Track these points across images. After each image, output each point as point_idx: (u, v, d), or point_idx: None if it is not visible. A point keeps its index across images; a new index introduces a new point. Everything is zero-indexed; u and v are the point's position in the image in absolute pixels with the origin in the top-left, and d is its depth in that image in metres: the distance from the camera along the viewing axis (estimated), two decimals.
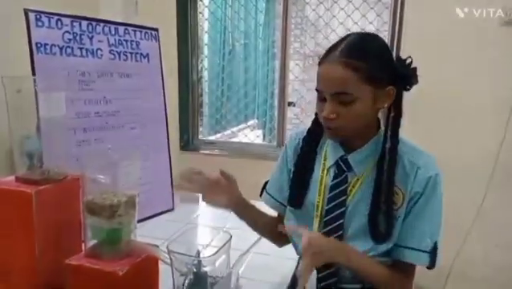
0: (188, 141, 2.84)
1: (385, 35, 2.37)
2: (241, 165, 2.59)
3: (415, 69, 0.89)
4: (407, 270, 0.90)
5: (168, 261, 0.83)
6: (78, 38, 1.37)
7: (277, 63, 3.10)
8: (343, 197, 0.90)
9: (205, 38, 3.12)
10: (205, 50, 3.15)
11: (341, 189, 0.91)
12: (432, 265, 0.87)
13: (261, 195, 1.11)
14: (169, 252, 0.80)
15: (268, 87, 3.96)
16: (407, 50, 2.24)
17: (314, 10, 3.17)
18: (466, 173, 2.27)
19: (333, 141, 0.94)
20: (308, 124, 1.02)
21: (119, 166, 0.89)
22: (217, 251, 0.82)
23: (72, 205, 0.97)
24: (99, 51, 1.43)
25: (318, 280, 0.93)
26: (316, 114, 0.97)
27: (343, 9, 2.80)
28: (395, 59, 0.89)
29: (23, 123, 1.07)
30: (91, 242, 0.90)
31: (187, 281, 0.86)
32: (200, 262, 0.86)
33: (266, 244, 1.20)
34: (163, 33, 1.71)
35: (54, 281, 0.88)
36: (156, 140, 1.63)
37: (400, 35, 2.28)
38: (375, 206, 0.86)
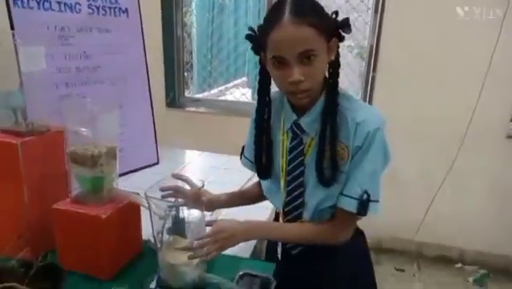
0: (174, 98, 2.85)
1: None
2: (227, 123, 2.65)
3: (347, 19, 0.87)
4: (341, 216, 0.96)
5: (147, 206, 0.90)
6: None
7: None
8: (301, 158, 0.97)
9: None
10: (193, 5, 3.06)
11: (298, 150, 0.97)
12: (360, 212, 0.90)
13: (241, 158, 1.16)
14: (147, 197, 0.88)
15: None
16: (391, 10, 2.26)
17: None
18: (441, 131, 2.38)
19: (302, 104, 0.93)
20: None
21: (98, 119, 0.93)
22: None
23: (57, 156, 1.03)
24: (77, 6, 1.42)
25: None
26: (261, 92, 0.98)
27: None
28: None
29: (5, 77, 1.09)
30: (78, 190, 0.97)
31: (166, 224, 0.95)
32: (178, 207, 0.94)
33: None
34: None
35: (42, 225, 0.96)
36: (138, 95, 1.66)
37: None
38: (319, 154, 0.92)
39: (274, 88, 0.97)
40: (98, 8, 1.48)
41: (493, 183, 2.41)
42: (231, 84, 3.61)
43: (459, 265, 2.56)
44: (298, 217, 1.00)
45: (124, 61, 1.60)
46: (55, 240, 0.95)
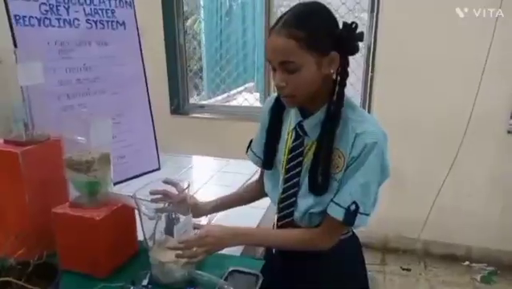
0: (178, 105, 2.92)
1: None
2: (231, 128, 2.70)
3: (361, 34, 0.91)
4: (328, 222, 0.97)
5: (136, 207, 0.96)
6: (54, 9, 1.44)
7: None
8: (300, 158, 1.00)
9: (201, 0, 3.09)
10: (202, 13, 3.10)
11: (298, 151, 1.01)
12: (346, 222, 0.91)
13: (247, 152, 1.21)
14: (135, 199, 0.93)
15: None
16: (385, 11, 2.29)
17: None
18: (441, 129, 2.38)
19: (290, 108, 1.01)
20: None
21: (92, 127, 1.00)
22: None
23: (56, 163, 1.09)
24: (76, 21, 1.50)
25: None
26: None
27: None
28: (341, 25, 0.91)
29: (7, 92, 1.17)
30: (76, 195, 1.04)
31: (161, 225, 1.00)
32: (164, 211, 1.00)
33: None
34: None
35: (42, 227, 1.02)
36: (138, 103, 1.73)
37: None
38: (315, 162, 0.95)
39: None
40: (96, 22, 1.56)
41: (495, 179, 2.40)
42: (240, 89, 3.68)
43: (466, 263, 2.54)
44: (289, 216, 1.03)
45: (123, 71, 1.67)
46: (56, 241, 1.01)
